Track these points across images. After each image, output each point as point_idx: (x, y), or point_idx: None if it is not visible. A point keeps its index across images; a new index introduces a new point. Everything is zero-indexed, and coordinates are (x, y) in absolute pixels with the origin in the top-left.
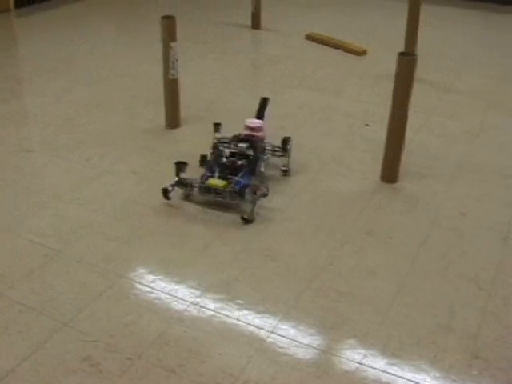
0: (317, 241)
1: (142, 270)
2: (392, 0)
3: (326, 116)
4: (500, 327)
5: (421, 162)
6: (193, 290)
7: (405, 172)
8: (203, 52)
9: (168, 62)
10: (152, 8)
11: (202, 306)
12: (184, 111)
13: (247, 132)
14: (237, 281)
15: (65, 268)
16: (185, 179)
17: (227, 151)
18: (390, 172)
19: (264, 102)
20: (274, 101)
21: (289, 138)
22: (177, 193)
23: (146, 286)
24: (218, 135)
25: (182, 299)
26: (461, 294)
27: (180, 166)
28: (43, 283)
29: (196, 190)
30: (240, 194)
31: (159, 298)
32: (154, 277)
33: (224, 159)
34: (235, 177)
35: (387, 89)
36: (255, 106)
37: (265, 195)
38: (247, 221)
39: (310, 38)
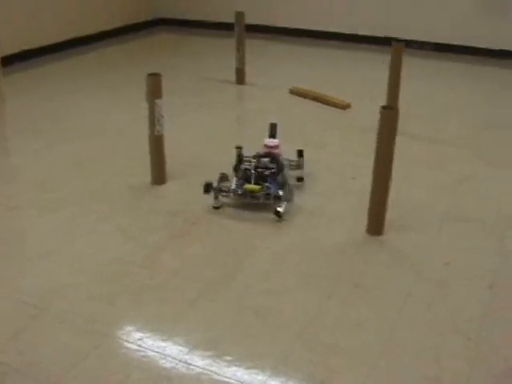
0: (303, 294)
1: (129, 328)
2: (375, 53)
3: (310, 169)
4: (489, 377)
5: (406, 213)
6: (181, 348)
7: (390, 224)
8: (188, 107)
9: (153, 118)
10: (137, 64)
11: (190, 364)
12: (170, 166)
13: (267, 150)
14: (225, 337)
15: (49, 329)
16: (223, 186)
17: (252, 165)
18: (376, 224)
19: (274, 127)
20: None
21: (302, 150)
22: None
23: (134, 344)
24: (240, 154)
25: (170, 356)
26: (448, 344)
27: (208, 186)
28: (28, 344)
29: (231, 195)
30: (275, 196)
31: (147, 356)
32: (142, 334)
33: (252, 171)
34: (265, 183)
35: (372, 141)
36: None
37: (289, 200)
38: (279, 215)
39: (293, 92)
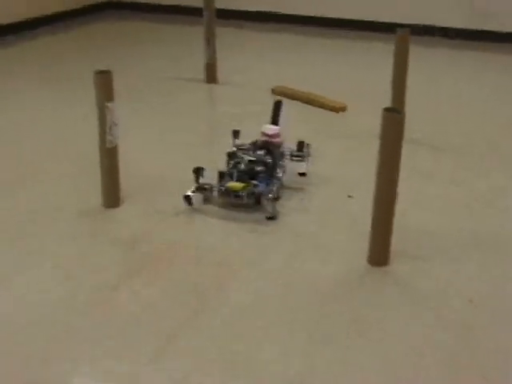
0: (292, 342)
1: None
2: (375, 42)
3: (300, 184)
4: None
5: (417, 238)
6: None
7: (398, 251)
8: (147, 112)
9: (104, 126)
10: (83, 57)
11: None
12: (126, 186)
13: (264, 139)
14: None
15: None
16: (204, 184)
17: (246, 159)
18: (380, 253)
19: (277, 106)
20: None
21: (303, 142)
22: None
23: None
24: (236, 142)
25: None
26: None
27: (198, 171)
28: None
29: (215, 193)
30: (256, 199)
31: None
32: None
33: (242, 166)
34: (253, 181)
35: (373, 151)
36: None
37: (276, 199)
38: (272, 218)
39: (277, 92)
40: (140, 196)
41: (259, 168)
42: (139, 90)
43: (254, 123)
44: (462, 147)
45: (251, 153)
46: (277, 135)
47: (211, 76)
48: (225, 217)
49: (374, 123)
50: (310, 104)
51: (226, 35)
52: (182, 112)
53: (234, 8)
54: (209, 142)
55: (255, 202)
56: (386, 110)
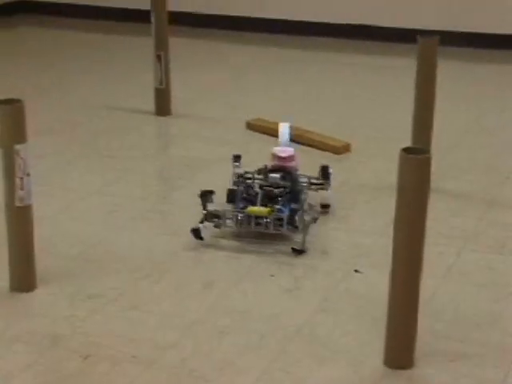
0: None
1: None
2: (383, 53)
3: (287, 258)
4: None
5: (452, 330)
6: None
7: (424, 349)
8: (76, 157)
9: (12, 177)
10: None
11: None
12: (43, 262)
13: (277, 163)
14: None
15: None
16: (214, 210)
17: (256, 185)
18: (399, 351)
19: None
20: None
21: (327, 166)
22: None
23: None
24: (238, 170)
25: None
26: None
27: (206, 196)
28: None
29: (229, 221)
30: (289, 221)
31: None
32: None
33: (258, 189)
34: (276, 205)
35: (387, 207)
36: (163, 246)
37: (315, 220)
38: (300, 252)
39: (253, 127)
40: (62, 276)
41: (278, 191)
42: (63, 126)
43: (222, 171)
44: None
45: (262, 177)
46: (292, 158)
47: (163, 106)
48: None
49: (388, 168)
50: (302, 143)
51: (184, 48)
52: (123, 157)
53: (194, 11)
54: (159, 200)
55: (288, 224)
56: (406, 150)
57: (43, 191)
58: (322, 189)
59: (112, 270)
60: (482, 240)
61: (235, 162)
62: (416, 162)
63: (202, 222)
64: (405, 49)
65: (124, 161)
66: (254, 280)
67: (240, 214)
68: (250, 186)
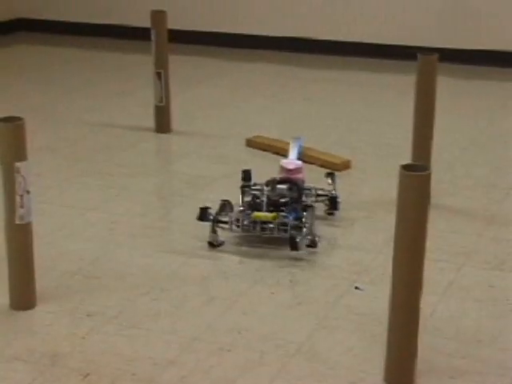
0: None
1: None
2: (383, 71)
3: (287, 275)
4: None
5: (453, 347)
6: None
7: (425, 366)
8: (75, 174)
9: (13, 195)
10: None
11: None
12: (42, 279)
13: (284, 175)
14: None
15: None
16: (221, 218)
17: (263, 197)
18: (400, 368)
19: (296, 143)
20: (202, 254)
21: (333, 173)
22: None
23: None
24: (246, 184)
25: None
26: None
27: (203, 213)
28: None
29: (235, 228)
30: (295, 225)
31: None
32: None
33: (264, 199)
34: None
35: (387, 223)
36: (163, 263)
37: (314, 244)
38: (312, 245)
39: (253, 144)
40: (63, 293)
41: (284, 200)
42: (62, 143)
43: (222, 189)
44: None
45: (270, 189)
46: (299, 170)
47: (163, 123)
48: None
49: (388, 185)
50: (302, 160)
51: (184, 65)
52: (123, 174)
53: (194, 29)
54: (158, 217)
55: (291, 246)
56: (405, 167)
57: (42, 209)
58: (330, 201)
59: (111, 287)
60: (482, 256)
61: (245, 178)
62: (416, 178)
63: (213, 232)
64: (405, 66)
65: (124, 178)
66: (254, 297)
67: (246, 219)
68: (255, 196)
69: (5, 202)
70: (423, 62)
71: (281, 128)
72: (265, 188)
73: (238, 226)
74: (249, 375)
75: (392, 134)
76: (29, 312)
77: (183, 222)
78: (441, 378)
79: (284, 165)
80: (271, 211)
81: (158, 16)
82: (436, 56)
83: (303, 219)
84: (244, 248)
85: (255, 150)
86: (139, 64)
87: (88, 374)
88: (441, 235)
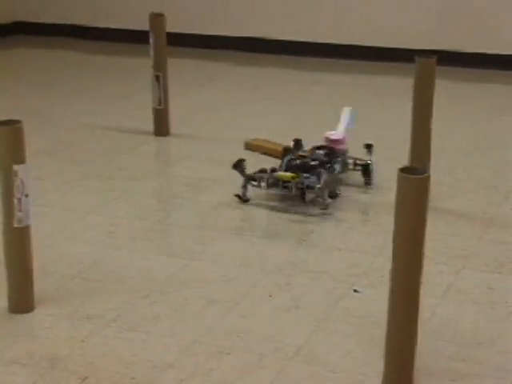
0: None
1: None
2: (380, 74)
3: (285, 278)
4: None
5: (452, 350)
6: None
7: (424, 369)
8: (74, 177)
9: (10, 198)
10: None
11: None
12: (41, 282)
13: (327, 144)
14: None
15: None
16: (253, 175)
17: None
18: (399, 371)
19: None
20: (201, 257)
21: (371, 144)
22: None
23: None
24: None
25: None
26: None
27: (239, 164)
28: None
29: (263, 184)
30: (308, 186)
31: None
32: None
33: (297, 161)
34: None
35: (386, 226)
36: (162, 266)
37: (335, 196)
38: (324, 209)
39: (251, 147)
40: (62, 296)
41: (313, 163)
42: (61, 146)
43: (222, 191)
44: None
45: (309, 153)
46: (341, 141)
47: (161, 126)
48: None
49: (387, 187)
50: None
51: (182, 68)
52: (122, 177)
53: (192, 32)
54: (158, 220)
55: (301, 196)
56: (403, 170)
57: (41, 212)
58: (366, 172)
59: (111, 290)
60: (481, 259)
61: (296, 146)
62: (414, 181)
63: (244, 187)
64: (403, 69)
65: (123, 181)
66: (252, 300)
67: (271, 178)
68: (292, 159)
69: (3, 206)
70: (421, 64)
71: (280, 131)
72: (306, 151)
73: (267, 184)
74: (248, 378)
75: (390, 137)
76: (28, 315)
77: (183, 225)
78: (440, 380)
79: (327, 135)
80: (295, 172)
81: (157, 19)
82: (434, 59)
83: (320, 180)
84: (243, 251)
85: (253, 153)
86: (138, 67)
87: (86, 377)
88: (440, 238)
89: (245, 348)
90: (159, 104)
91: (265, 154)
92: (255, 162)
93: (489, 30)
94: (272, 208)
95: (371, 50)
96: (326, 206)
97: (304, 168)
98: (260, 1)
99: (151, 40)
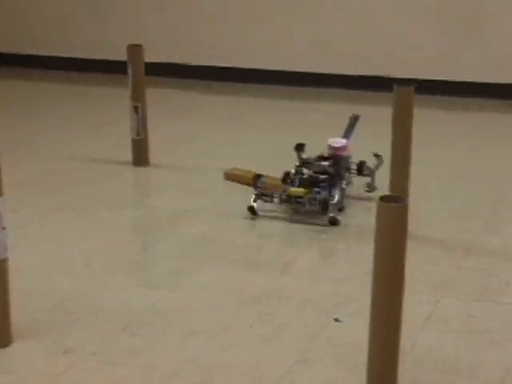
0: None
1: None
2: (359, 103)
3: (266, 308)
4: None
5: (433, 378)
6: None
7: None
8: (53, 208)
9: None
10: None
11: None
12: (19, 315)
13: (331, 152)
14: None
15: None
16: (264, 192)
17: (309, 171)
18: None
19: (354, 121)
20: (181, 288)
21: (379, 154)
22: None
23: None
24: (303, 155)
25: None
26: None
27: (257, 178)
28: None
29: (276, 200)
30: (322, 201)
31: None
32: None
33: (304, 175)
34: (314, 188)
35: (366, 254)
36: (141, 297)
37: (342, 209)
38: (334, 222)
39: (231, 177)
40: (40, 329)
41: (322, 177)
42: (38, 178)
43: (203, 222)
44: (496, 248)
45: (315, 164)
46: (344, 148)
47: (141, 156)
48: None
49: (366, 216)
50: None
51: (161, 98)
52: (100, 208)
53: (171, 61)
54: (137, 251)
55: (322, 208)
56: (383, 198)
57: (18, 244)
58: (368, 175)
59: (89, 322)
60: (460, 287)
61: (299, 150)
62: (393, 210)
63: (255, 201)
64: (381, 97)
65: (101, 212)
66: (233, 330)
67: (283, 194)
68: (298, 173)
69: None
70: (399, 93)
71: (258, 162)
72: (313, 163)
73: (279, 200)
74: None
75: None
76: (5, 349)
77: (163, 257)
78: None
79: (330, 143)
80: (306, 187)
81: (135, 50)
82: (412, 88)
83: (333, 195)
84: (224, 280)
85: (233, 184)
86: (118, 97)
87: None
88: (419, 266)
89: (226, 380)
90: (138, 134)
91: (246, 184)
92: (237, 194)
93: (465, 58)
94: (254, 237)
95: (348, 79)
96: (336, 220)
97: (313, 182)
98: (236, 31)
99: (129, 71)
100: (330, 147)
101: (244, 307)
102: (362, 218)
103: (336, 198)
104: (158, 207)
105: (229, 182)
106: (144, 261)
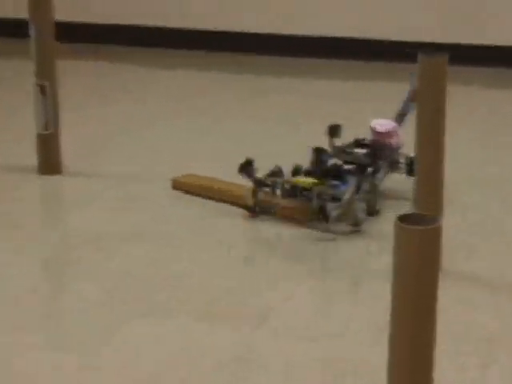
0: None
1: None
2: (378, 79)
3: (235, 378)
4: None
5: None
6: None
7: None
8: None
9: None
10: None
11: None
12: None
13: (373, 138)
14: None
15: None
16: (265, 179)
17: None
18: None
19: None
20: (113, 350)
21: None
22: None
23: None
24: (336, 142)
25: None
26: None
27: (247, 165)
28: None
29: (278, 191)
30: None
31: None
32: None
33: (329, 164)
34: (333, 181)
35: (377, 297)
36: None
37: (375, 212)
38: (356, 225)
39: (181, 186)
40: None
41: (346, 167)
42: None
43: (138, 251)
44: None
45: (347, 150)
46: (391, 134)
47: (50, 160)
48: None
49: (377, 244)
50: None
51: (76, 74)
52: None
53: (93, 21)
54: (50, 289)
55: (320, 212)
56: (402, 218)
57: None
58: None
59: None
60: (504, 341)
61: (331, 134)
62: (418, 234)
63: (254, 196)
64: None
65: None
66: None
67: (287, 185)
68: (323, 161)
69: None
70: (427, 64)
71: (216, 163)
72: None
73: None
74: None
75: None
76: None
77: (80, 307)
78: None
79: (375, 126)
80: (320, 179)
81: (39, 4)
82: (446, 56)
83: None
84: (175, 338)
85: (184, 195)
86: (17, 74)
87: None
88: (455, 314)
89: None
90: (45, 128)
91: (201, 195)
92: (192, 211)
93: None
94: (215, 273)
95: (348, 44)
96: (358, 224)
97: (335, 173)
98: None
99: (32, 33)
100: (372, 131)
101: (202, 375)
102: (388, 230)
103: (346, 196)
104: (73, 230)
105: (179, 192)
106: (58, 304)
